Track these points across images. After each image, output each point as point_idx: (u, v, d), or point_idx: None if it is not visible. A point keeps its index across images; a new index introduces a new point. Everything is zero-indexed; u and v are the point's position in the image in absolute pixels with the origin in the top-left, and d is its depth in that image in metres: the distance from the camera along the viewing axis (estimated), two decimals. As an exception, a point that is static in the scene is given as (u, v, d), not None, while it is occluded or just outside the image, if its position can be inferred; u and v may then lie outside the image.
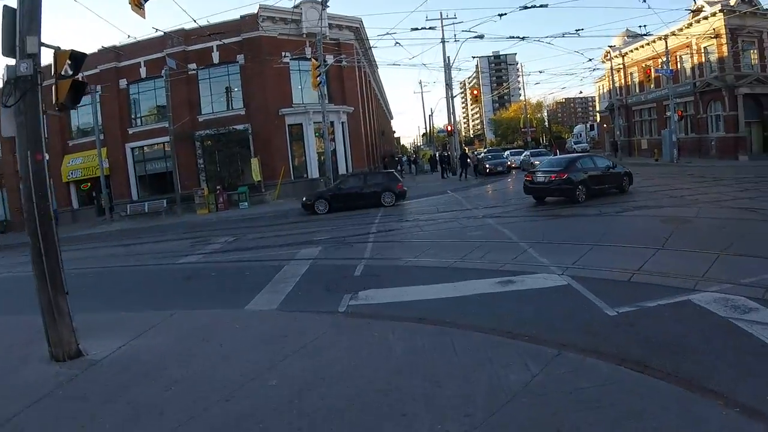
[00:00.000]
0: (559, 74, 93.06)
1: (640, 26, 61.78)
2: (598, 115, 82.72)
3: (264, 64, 29.94)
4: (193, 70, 31.50)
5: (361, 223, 17.35)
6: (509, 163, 39.10)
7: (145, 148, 33.19)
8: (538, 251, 9.83)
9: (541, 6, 19.99)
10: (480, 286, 7.81)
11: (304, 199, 22.06)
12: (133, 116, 33.49)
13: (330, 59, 30.74)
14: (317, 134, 31.40)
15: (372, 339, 5.71)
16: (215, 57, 31.47)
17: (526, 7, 20.48)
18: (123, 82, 32.47)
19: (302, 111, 31.85)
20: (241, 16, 31.25)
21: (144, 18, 13.32)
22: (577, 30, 24.84)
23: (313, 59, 26.93)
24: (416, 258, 10.38)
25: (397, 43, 26.91)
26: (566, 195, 16.88)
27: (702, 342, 5.30)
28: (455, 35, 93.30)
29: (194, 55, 31.38)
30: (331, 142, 28.92)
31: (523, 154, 42.26)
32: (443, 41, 36.37)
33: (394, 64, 54.02)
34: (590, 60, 49.29)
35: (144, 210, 28.80)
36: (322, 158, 31.02)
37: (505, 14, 24.51)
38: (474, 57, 60.34)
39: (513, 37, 25.47)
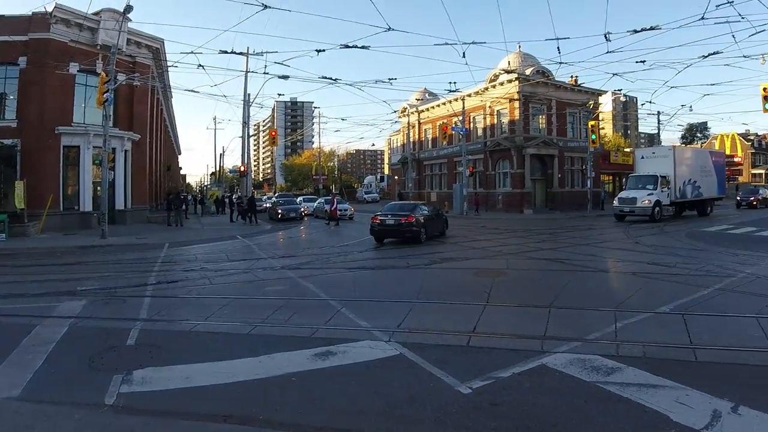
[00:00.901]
0: (360, 123, 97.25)
1: (450, 82, 68.52)
2: (386, 166, 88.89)
3: (47, 72, 26.16)
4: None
5: (136, 269, 14.58)
6: (302, 209, 38.88)
7: None
8: (353, 311, 8.67)
9: (362, 47, 19.75)
10: (293, 361, 6.23)
11: None
12: None
13: (122, 77, 27.83)
14: (96, 161, 27.70)
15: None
16: (-7, 55, 26.58)
17: (347, 46, 20.07)
18: None
19: (82, 132, 28.23)
20: (32, 12, 27.11)
21: None
22: (390, 79, 25.36)
23: (103, 72, 23.54)
24: (207, 320, 8.36)
25: (200, 65, 24.48)
26: (414, 236, 19.88)
27: (582, 417, 4.64)
28: (265, 66, 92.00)
29: (-30, 49, 26.19)
30: (110, 172, 25.30)
31: (317, 201, 42.71)
32: (246, 74, 35.30)
33: (192, 91, 49.55)
34: (395, 112, 52.40)
35: None
36: (98, 189, 27.25)
37: (324, 51, 24.39)
38: (280, 95, 59.94)
39: (325, 78, 24.91)
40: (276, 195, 55.96)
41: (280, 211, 35.55)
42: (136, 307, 9.52)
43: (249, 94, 35.96)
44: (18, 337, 7.35)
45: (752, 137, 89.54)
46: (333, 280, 12.34)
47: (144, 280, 12.51)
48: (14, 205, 24.71)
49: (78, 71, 28.33)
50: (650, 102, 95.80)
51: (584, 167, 41.54)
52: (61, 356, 6.63)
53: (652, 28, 18.96)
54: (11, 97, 27.71)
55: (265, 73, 35.74)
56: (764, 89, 20.71)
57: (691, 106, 68.95)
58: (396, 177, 63.98)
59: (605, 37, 18.92)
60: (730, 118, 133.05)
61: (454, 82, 57.95)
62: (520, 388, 5.28)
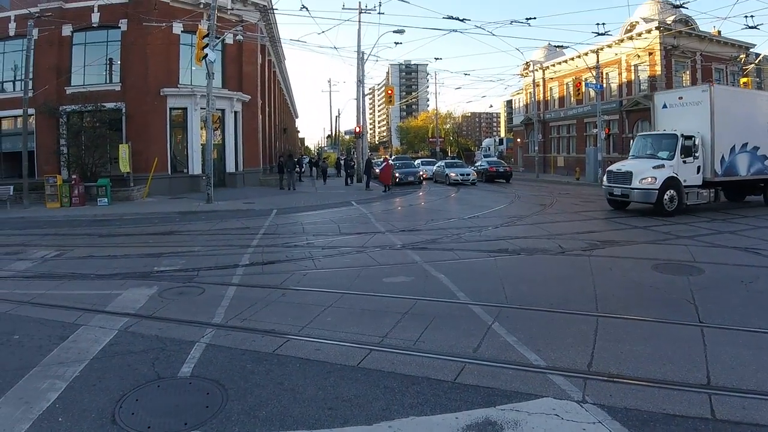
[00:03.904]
0: (485, 80, 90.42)
1: (598, 24, 61.86)
2: (502, 129, 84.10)
3: (150, 33, 26.07)
4: (67, 24, 26.61)
5: (231, 243, 13.14)
6: (421, 173, 36.90)
7: (2, 121, 27.91)
8: (510, 329, 6.31)
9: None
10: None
11: None
12: (-8, 81, 27.90)
13: (229, 37, 27.69)
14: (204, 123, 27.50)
15: None
16: (95, 18, 27.12)
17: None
18: (-15, 40, 27.11)
19: (188, 93, 28.10)
20: (134, -29, 27.13)
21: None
22: (528, 18, 22.23)
23: (200, 27, 22.76)
24: (301, 333, 6.30)
25: (303, 7, 22.99)
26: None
27: None
28: (379, 19, 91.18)
29: (72, 13, 26.93)
30: (215, 133, 24.72)
31: (437, 165, 40.56)
32: (359, 31, 34.48)
33: (298, 41, 50.23)
34: (526, 63, 48.19)
35: (-14, 196, 23.25)
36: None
37: None
38: (397, 43, 56.83)
39: (451, 17, 22.35)
40: (393, 158, 54.45)
41: (397, 174, 33.64)
42: (213, 301, 7.73)
43: (363, 52, 34.71)
44: (49, 345, 5.87)
45: None
46: (470, 270, 10.01)
47: (236, 259, 10.88)
48: (120, 170, 24.74)
49: (182, 32, 27.94)
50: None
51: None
52: (83, 390, 4.78)
53: None
54: (116, 61, 27.83)
55: (379, 13, 34.14)
56: None
57: None
58: (518, 140, 60.07)
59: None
60: None
61: (603, 23, 52.23)
62: None
